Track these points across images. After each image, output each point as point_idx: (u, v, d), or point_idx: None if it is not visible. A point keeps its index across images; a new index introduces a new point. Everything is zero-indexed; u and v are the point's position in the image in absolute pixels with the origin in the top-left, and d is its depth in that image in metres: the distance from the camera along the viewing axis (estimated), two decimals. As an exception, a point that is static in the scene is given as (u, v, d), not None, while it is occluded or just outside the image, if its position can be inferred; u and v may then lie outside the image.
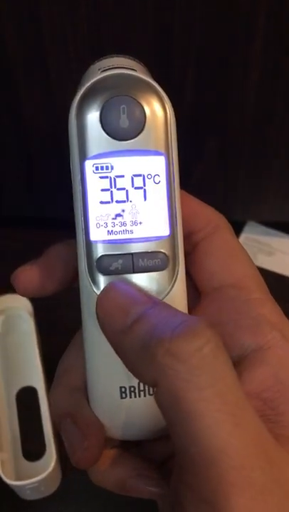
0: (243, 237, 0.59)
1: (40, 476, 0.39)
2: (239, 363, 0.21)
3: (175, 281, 0.21)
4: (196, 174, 0.49)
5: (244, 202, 0.54)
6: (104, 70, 0.21)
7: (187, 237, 0.23)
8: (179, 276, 0.21)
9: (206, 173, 0.49)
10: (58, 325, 0.45)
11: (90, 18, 0.36)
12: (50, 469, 0.39)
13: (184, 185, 0.54)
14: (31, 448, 0.44)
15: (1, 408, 0.45)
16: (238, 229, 0.59)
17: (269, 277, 0.56)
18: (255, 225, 0.59)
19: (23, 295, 0.23)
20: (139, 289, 0.20)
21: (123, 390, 0.22)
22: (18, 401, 0.46)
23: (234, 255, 0.23)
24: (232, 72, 0.40)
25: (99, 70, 0.21)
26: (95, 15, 0.36)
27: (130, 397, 0.22)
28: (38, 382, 0.46)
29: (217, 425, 0.16)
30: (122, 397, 0.22)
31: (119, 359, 0.19)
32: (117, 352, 0.19)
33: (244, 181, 0.51)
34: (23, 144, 0.47)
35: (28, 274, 0.23)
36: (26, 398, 0.46)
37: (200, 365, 0.16)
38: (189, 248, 0.23)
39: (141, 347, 0.17)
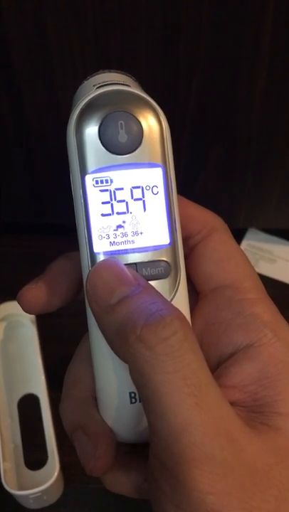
0: (245, 243, 0.59)
1: (43, 485, 0.39)
2: (231, 358, 0.22)
3: (178, 287, 0.22)
4: (200, 181, 0.49)
5: (247, 209, 0.54)
6: (99, 86, 0.21)
7: (185, 240, 0.24)
8: (181, 282, 0.22)
9: (210, 180, 0.49)
10: (59, 332, 0.45)
11: (96, 25, 0.37)
12: (53, 479, 0.39)
13: (188, 191, 0.55)
14: (33, 456, 0.44)
15: (3, 416, 0.45)
16: (239, 236, 0.59)
17: (270, 284, 0.57)
18: (257, 232, 0.60)
19: (30, 313, 0.24)
20: (129, 268, 0.21)
21: (132, 395, 0.22)
22: (20, 409, 0.46)
23: (230, 256, 0.24)
24: (238, 81, 0.40)
25: (94, 86, 0.22)
26: (101, 21, 0.36)
27: (140, 401, 0.22)
28: (40, 389, 0.46)
29: (178, 405, 0.18)
30: (131, 402, 0.22)
31: (127, 365, 0.19)
32: (99, 328, 0.21)
33: (247, 189, 0.51)
34: (26, 151, 0.47)
35: (34, 293, 0.23)
36: (28, 406, 0.46)
37: (165, 353, 0.18)
38: (187, 251, 0.24)
39: (118, 328, 0.19)
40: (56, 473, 0.40)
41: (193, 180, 0.49)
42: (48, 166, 0.48)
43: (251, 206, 0.53)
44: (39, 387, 0.46)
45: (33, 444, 0.44)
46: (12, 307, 0.49)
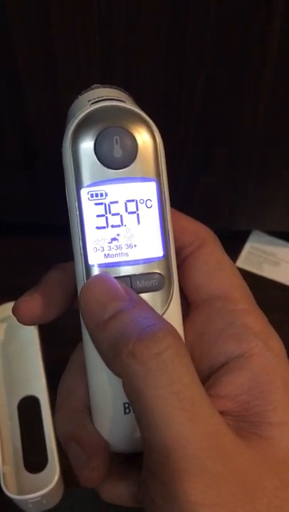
0: (248, 246, 0.58)
1: (43, 490, 0.38)
2: (222, 368, 0.22)
3: (171, 299, 0.22)
4: (204, 183, 0.49)
5: (250, 211, 0.54)
6: (94, 102, 0.22)
7: (177, 251, 0.24)
8: (174, 294, 0.22)
9: (214, 181, 0.49)
10: (60, 334, 0.45)
11: (101, 23, 0.36)
12: (53, 483, 0.39)
13: (191, 193, 0.54)
14: (33, 459, 0.43)
15: (3, 419, 0.45)
16: (243, 238, 0.59)
17: (274, 287, 0.57)
18: (261, 234, 0.59)
19: (25, 324, 0.24)
20: (121, 283, 0.21)
21: (126, 405, 0.22)
22: (20, 411, 0.46)
23: (221, 267, 0.24)
24: (243, 83, 0.40)
25: (88, 101, 0.22)
26: (106, 26, 0.36)
27: (134, 412, 0.22)
28: (41, 391, 0.46)
29: (171, 419, 0.18)
30: (125, 413, 0.22)
31: None
32: (93, 343, 0.21)
33: (251, 191, 0.50)
34: (26, 151, 0.47)
35: (29, 305, 0.24)
36: (29, 408, 0.46)
37: (158, 368, 0.18)
38: (179, 262, 0.24)
39: (111, 343, 0.19)
40: (56, 478, 0.40)
41: (196, 181, 0.49)
42: (48, 166, 0.48)
43: (255, 208, 0.53)
44: (40, 389, 0.46)
45: (33, 447, 0.44)
46: (13, 308, 0.48)
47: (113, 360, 0.19)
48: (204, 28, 0.36)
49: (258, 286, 0.58)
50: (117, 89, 0.24)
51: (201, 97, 0.41)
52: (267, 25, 0.36)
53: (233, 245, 0.58)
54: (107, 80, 0.25)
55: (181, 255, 0.25)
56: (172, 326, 0.19)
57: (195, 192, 0.50)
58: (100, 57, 0.38)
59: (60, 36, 0.37)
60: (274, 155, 0.46)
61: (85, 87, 0.24)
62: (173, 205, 0.23)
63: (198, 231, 0.25)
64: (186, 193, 0.50)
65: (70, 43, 0.37)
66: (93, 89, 0.24)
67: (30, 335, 0.48)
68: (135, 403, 0.19)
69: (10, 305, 0.49)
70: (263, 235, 0.59)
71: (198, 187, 0.50)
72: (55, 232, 0.53)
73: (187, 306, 0.25)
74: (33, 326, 0.48)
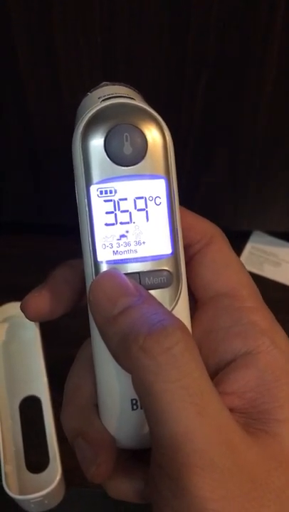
0: (249, 246, 0.58)
1: (44, 490, 0.38)
2: (229, 365, 0.22)
3: (179, 296, 0.22)
4: (205, 183, 0.49)
5: (251, 211, 0.54)
6: (104, 99, 0.22)
7: (185, 249, 0.24)
8: (182, 291, 0.22)
9: (215, 181, 0.49)
10: (62, 333, 0.45)
11: (102, 23, 0.36)
12: (55, 483, 0.39)
13: (192, 193, 0.54)
14: (35, 459, 0.43)
15: (5, 418, 0.45)
16: (244, 238, 0.59)
17: (275, 287, 0.57)
18: (262, 234, 0.59)
19: (33, 321, 0.24)
20: (130, 279, 0.21)
21: (134, 401, 0.22)
22: (22, 411, 0.46)
23: (228, 265, 0.24)
24: (244, 84, 0.40)
25: (98, 98, 0.22)
26: (108, 26, 0.36)
27: (141, 408, 0.22)
28: (42, 391, 0.46)
29: (180, 413, 0.18)
30: (133, 409, 0.22)
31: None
32: (102, 338, 0.21)
33: (252, 191, 0.50)
34: (29, 150, 0.47)
35: (38, 301, 0.24)
36: (30, 408, 0.46)
37: (168, 362, 0.18)
38: (187, 259, 0.24)
39: (121, 338, 0.19)
40: (58, 477, 0.40)
41: (197, 181, 0.49)
42: (51, 166, 0.48)
43: (256, 208, 0.53)
44: (41, 389, 0.46)
45: (34, 446, 0.44)
46: (14, 308, 0.48)
47: (123, 355, 0.19)
48: (206, 28, 0.36)
49: (259, 286, 0.57)
50: (126, 86, 0.24)
51: (203, 96, 0.41)
52: (268, 25, 0.36)
53: (234, 245, 0.57)
54: (115, 78, 0.25)
55: (188, 253, 0.25)
56: (181, 322, 0.20)
57: (196, 192, 0.50)
58: (102, 58, 0.38)
59: (61, 36, 0.37)
60: (275, 155, 0.46)
61: (87, 87, 0.25)
62: (178, 203, 0.23)
63: (206, 229, 0.25)
64: (187, 193, 0.50)
65: (71, 44, 0.38)
66: (102, 86, 0.24)
67: (32, 335, 0.48)
68: (144, 398, 0.19)
69: (11, 305, 0.49)
70: (263, 236, 0.59)
71: (199, 187, 0.50)
72: (55, 231, 0.53)
73: (194, 304, 0.25)
74: (34, 326, 0.48)
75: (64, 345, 0.40)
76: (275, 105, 0.41)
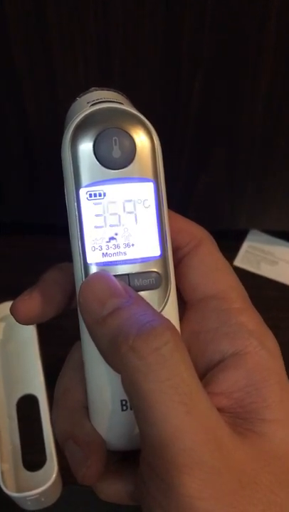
0: (246, 245, 0.58)
1: (41, 487, 0.39)
2: (218, 366, 0.22)
3: (168, 297, 0.23)
4: (202, 182, 0.49)
5: (248, 210, 0.54)
6: (93, 104, 0.22)
7: (174, 251, 0.24)
8: (171, 292, 0.23)
9: (212, 180, 0.49)
10: (58, 332, 0.45)
11: (98, 27, 0.36)
12: (51, 481, 0.39)
13: (189, 193, 0.54)
14: (32, 457, 0.43)
15: (2, 417, 0.45)
16: (241, 237, 0.59)
17: (272, 286, 0.57)
18: (259, 233, 0.59)
19: (23, 324, 0.24)
20: (120, 281, 0.21)
21: (124, 402, 0.22)
22: (19, 409, 0.46)
23: (216, 268, 0.25)
24: (241, 81, 0.40)
25: (87, 103, 0.22)
26: (103, 23, 0.36)
27: (131, 408, 0.22)
28: (39, 389, 0.46)
29: (170, 412, 0.18)
30: (122, 410, 0.23)
31: (118, 374, 0.20)
32: (92, 339, 0.21)
33: (249, 190, 0.50)
34: (27, 151, 0.47)
35: (28, 304, 0.24)
36: (27, 406, 0.46)
37: (157, 362, 0.18)
38: (175, 262, 0.25)
39: (110, 339, 0.20)
40: (54, 475, 0.40)
41: (195, 181, 0.49)
42: (49, 166, 0.48)
43: (253, 208, 0.53)
44: (38, 388, 0.46)
45: (31, 445, 0.44)
46: (12, 307, 0.48)
47: (112, 355, 0.20)
48: (201, 27, 0.36)
49: (256, 285, 0.58)
50: (115, 91, 0.24)
51: (199, 96, 0.41)
52: (263, 25, 0.36)
53: (231, 244, 0.58)
54: (104, 82, 0.25)
55: (177, 255, 0.25)
56: (170, 322, 0.20)
57: (193, 191, 0.50)
58: (97, 59, 0.39)
59: (57, 40, 0.37)
60: (272, 155, 0.46)
61: (84, 88, 0.25)
62: (171, 204, 0.23)
63: (195, 232, 0.25)
64: (185, 192, 0.50)
65: (66, 43, 0.38)
66: (91, 91, 0.24)
67: (29, 334, 0.48)
68: (134, 398, 0.19)
69: (8, 304, 0.48)
70: (261, 234, 0.59)
71: (197, 186, 0.50)
72: (55, 232, 0.53)
73: (183, 306, 0.25)
74: (31, 325, 0.48)
75: (61, 344, 0.40)
76: (272, 105, 0.42)
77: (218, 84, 0.40)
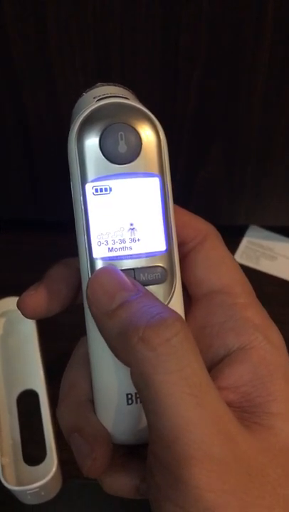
0: (246, 240, 0.59)
1: (41, 481, 0.39)
2: (223, 360, 0.23)
3: (174, 292, 0.23)
4: (201, 177, 0.49)
5: (247, 206, 0.54)
6: (99, 99, 0.22)
7: (179, 246, 0.24)
8: (176, 287, 0.23)
9: (211, 176, 0.49)
10: (59, 328, 0.45)
11: (96, 25, 0.36)
12: (51, 474, 0.39)
13: (188, 188, 0.54)
14: (32, 452, 0.44)
15: (2, 412, 0.45)
16: (240, 232, 0.59)
17: (271, 282, 0.57)
18: (258, 229, 0.59)
19: (30, 318, 0.25)
20: (127, 275, 0.22)
21: (129, 396, 0.23)
22: (19, 404, 0.46)
23: (222, 262, 0.25)
24: (239, 76, 0.40)
25: (94, 98, 0.22)
26: (101, 21, 0.36)
27: (136, 402, 0.23)
28: (39, 385, 0.46)
29: (180, 404, 0.18)
30: (128, 404, 0.23)
31: (124, 367, 0.20)
32: (100, 332, 0.21)
33: (248, 185, 0.50)
34: (26, 148, 0.47)
35: (34, 299, 0.24)
36: (27, 401, 0.46)
37: (168, 353, 0.18)
38: (181, 257, 0.25)
39: (120, 331, 0.20)
40: (54, 469, 0.40)
41: (194, 176, 0.49)
42: (48, 163, 0.48)
43: (252, 203, 0.53)
44: (38, 383, 0.46)
45: (31, 439, 0.44)
46: (12, 303, 0.49)
47: (122, 348, 0.20)
48: (198, 22, 0.36)
49: (255, 280, 0.58)
50: (120, 86, 0.24)
51: (197, 91, 0.41)
52: (259, 19, 0.36)
53: (230, 240, 0.57)
54: (109, 78, 0.25)
55: (183, 250, 0.25)
56: (179, 314, 0.20)
57: (192, 187, 0.50)
58: (95, 53, 0.38)
59: (55, 36, 0.37)
60: (271, 150, 0.46)
61: (83, 86, 0.25)
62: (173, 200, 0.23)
63: (200, 227, 0.25)
64: (184, 187, 0.50)
65: (64, 41, 0.37)
66: (97, 87, 0.24)
67: (29, 329, 0.48)
68: (143, 389, 0.19)
69: (8, 300, 0.49)
70: (260, 230, 0.59)
71: (196, 182, 0.50)
72: (55, 229, 0.53)
73: (189, 301, 0.25)
74: (31, 321, 0.48)
75: (61, 339, 0.40)
76: (270, 99, 0.41)
77: (215, 78, 0.40)
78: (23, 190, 0.52)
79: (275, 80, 0.40)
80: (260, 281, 0.55)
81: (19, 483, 0.41)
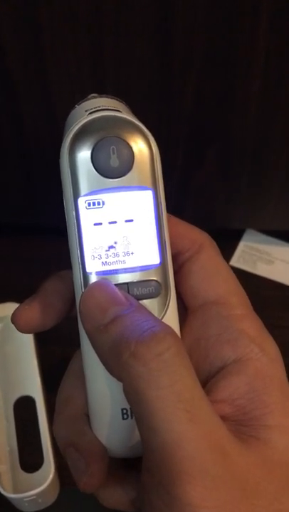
0: (242, 245, 0.59)
1: (38, 488, 0.39)
2: (220, 372, 0.22)
3: (168, 306, 0.23)
4: (197, 181, 0.49)
5: (244, 210, 0.54)
6: (91, 112, 0.22)
7: (175, 257, 0.24)
8: (171, 301, 0.23)
9: (207, 180, 0.49)
10: (56, 334, 0.45)
11: (90, 32, 0.36)
12: (48, 482, 0.39)
13: (185, 193, 0.54)
14: (29, 459, 0.43)
15: (0, 419, 0.45)
16: (237, 237, 0.59)
17: (268, 286, 0.57)
18: (255, 233, 0.59)
19: (25, 333, 0.24)
20: (120, 289, 0.21)
21: (124, 411, 0.22)
22: (16, 411, 0.46)
23: (217, 273, 0.25)
24: (234, 81, 0.40)
25: (86, 111, 0.22)
26: (95, 28, 0.36)
27: (132, 417, 0.22)
28: (36, 391, 0.46)
29: (172, 420, 0.18)
30: (123, 418, 0.23)
31: (119, 382, 0.20)
32: (93, 347, 0.21)
33: (244, 189, 0.51)
34: (22, 153, 0.47)
35: (29, 313, 0.24)
36: (24, 408, 0.46)
37: (159, 368, 0.18)
38: (176, 267, 0.25)
39: (112, 346, 0.19)
40: (51, 476, 0.40)
41: (189, 180, 0.49)
42: (44, 169, 0.48)
43: (248, 207, 0.53)
44: (35, 390, 0.46)
45: (28, 446, 0.44)
46: (9, 308, 0.48)
47: (114, 363, 0.19)
48: (192, 28, 0.36)
49: (253, 284, 0.58)
50: (113, 98, 0.24)
51: (193, 95, 0.41)
52: (254, 25, 0.36)
53: (227, 244, 0.58)
54: (98, 87, 0.25)
55: (178, 261, 0.25)
56: (172, 329, 0.20)
57: (189, 192, 0.51)
58: (90, 63, 0.38)
59: (50, 46, 0.37)
60: (266, 155, 0.47)
61: (79, 94, 0.25)
62: (168, 204, 0.23)
63: (196, 237, 0.25)
64: (180, 192, 0.50)
65: (59, 48, 0.37)
66: (90, 99, 0.24)
67: (26, 335, 0.48)
68: (136, 406, 0.19)
69: (6, 306, 0.49)
70: (257, 234, 0.59)
71: (192, 187, 0.50)
72: (50, 233, 0.53)
73: (185, 312, 0.25)
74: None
75: (58, 345, 0.40)
76: (266, 105, 0.42)
77: (211, 84, 0.40)
78: (19, 193, 0.52)
79: (269, 85, 0.40)
80: (257, 286, 0.55)
81: (16, 490, 0.40)
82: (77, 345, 0.25)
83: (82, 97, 0.24)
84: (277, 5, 0.35)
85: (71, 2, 0.35)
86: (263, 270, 0.57)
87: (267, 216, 0.54)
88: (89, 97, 0.24)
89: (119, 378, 0.20)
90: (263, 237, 0.59)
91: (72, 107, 0.24)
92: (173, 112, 0.42)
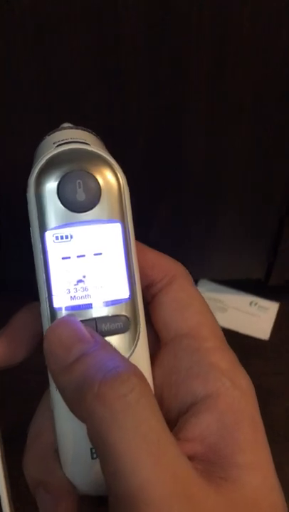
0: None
1: None
2: (190, 409, 0.22)
3: (137, 341, 0.22)
4: (149, 239, 0.50)
5: (196, 260, 0.55)
6: (59, 145, 0.22)
7: (147, 288, 0.24)
8: (140, 336, 0.22)
9: (159, 237, 0.50)
10: (16, 387, 0.44)
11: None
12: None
13: (144, 240, 0.54)
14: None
15: None
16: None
17: (224, 334, 0.57)
18: (208, 282, 0.61)
19: None
20: (86, 326, 0.21)
21: (94, 451, 0.22)
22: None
23: (189, 304, 0.24)
24: (180, 143, 0.41)
25: (54, 143, 0.22)
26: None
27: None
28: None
29: (137, 463, 0.17)
30: (92, 458, 0.22)
31: None
32: (57, 388, 0.20)
33: (194, 240, 0.52)
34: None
35: None
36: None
37: (123, 409, 0.18)
38: (149, 298, 0.24)
39: (75, 387, 0.19)
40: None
41: (143, 237, 0.50)
42: (12, 215, 0.47)
43: (198, 259, 0.54)
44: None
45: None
46: None
47: (77, 405, 0.19)
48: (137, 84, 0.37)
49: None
50: (84, 130, 0.24)
51: (142, 156, 0.42)
52: (197, 75, 0.37)
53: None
54: (76, 122, 0.24)
55: (150, 292, 0.24)
56: (137, 368, 0.19)
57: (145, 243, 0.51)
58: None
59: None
60: (213, 204, 0.48)
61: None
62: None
63: (169, 267, 0.25)
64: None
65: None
66: (60, 130, 0.24)
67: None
68: (100, 449, 0.18)
69: None
70: (209, 283, 0.61)
71: (144, 242, 0.50)
72: (18, 288, 0.52)
73: (158, 344, 0.24)
74: None
75: (19, 399, 0.39)
76: (209, 163, 0.43)
77: (159, 145, 0.41)
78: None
79: (212, 146, 0.42)
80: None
81: None
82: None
83: (53, 127, 0.24)
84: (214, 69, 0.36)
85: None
86: (217, 318, 0.58)
87: (218, 266, 0.55)
88: (59, 127, 0.24)
89: (83, 420, 0.19)
90: (215, 286, 0.61)
91: (41, 138, 0.24)
92: (124, 160, 0.43)
